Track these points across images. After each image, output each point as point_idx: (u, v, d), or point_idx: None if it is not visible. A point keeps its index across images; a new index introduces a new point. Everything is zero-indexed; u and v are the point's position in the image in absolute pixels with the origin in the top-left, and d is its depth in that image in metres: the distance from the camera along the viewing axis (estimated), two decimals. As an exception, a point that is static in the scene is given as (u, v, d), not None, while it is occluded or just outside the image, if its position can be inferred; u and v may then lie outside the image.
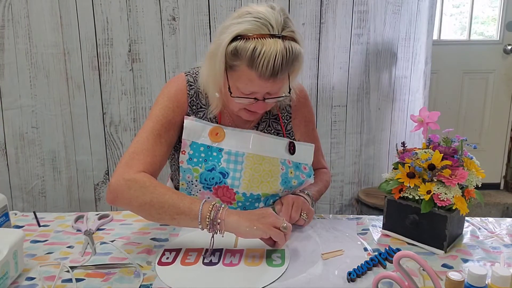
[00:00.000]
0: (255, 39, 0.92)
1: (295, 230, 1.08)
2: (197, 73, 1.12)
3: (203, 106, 1.12)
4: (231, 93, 1.00)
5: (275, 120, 1.17)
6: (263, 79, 0.94)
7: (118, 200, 0.98)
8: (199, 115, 1.11)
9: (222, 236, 0.94)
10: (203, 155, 1.08)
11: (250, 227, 0.91)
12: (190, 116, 1.10)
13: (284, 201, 1.10)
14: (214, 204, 0.93)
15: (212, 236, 0.94)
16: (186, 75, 1.12)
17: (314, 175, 1.19)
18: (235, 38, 0.94)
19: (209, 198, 1.11)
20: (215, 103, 1.09)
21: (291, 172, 1.12)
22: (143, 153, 1.02)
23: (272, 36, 0.92)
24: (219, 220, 0.91)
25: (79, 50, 2.01)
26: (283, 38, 0.93)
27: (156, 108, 1.08)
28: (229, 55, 0.95)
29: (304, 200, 1.12)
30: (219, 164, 1.08)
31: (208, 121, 1.11)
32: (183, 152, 1.08)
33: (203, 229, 0.93)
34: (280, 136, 1.16)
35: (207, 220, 0.91)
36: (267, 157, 1.10)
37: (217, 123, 1.12)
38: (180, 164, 1.08)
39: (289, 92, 1.01)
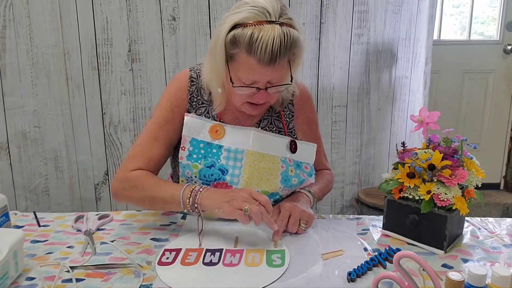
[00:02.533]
0: (253, 25, 0.94)
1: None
2: (201, 69, 1.13)
3: (205, 102, 1.13)
4: (233, 83, 1.00)
5: (277, 118, 1.17)
6: (263, 64, 0.95)
7: (119, 199, 1.10)
8: (200, 111, 1.12)
9: (199, 215, 1.01)
10: (202, 151, 1.09)
11: (218, 209, 0.97)
12: (190, 112, 1.11)
13: (281, 212, 1.06)
14: (193, 189, 1.00)
15: (199, 216, 1.02)
16: (190, 71, 1.14)
17: (315, 175, 1.19)
18: (233, 27, 0.96)
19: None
20: (218, 100, 1.10)
21: (292, 171, 1.12)
22: (139, 155, 1.10)
23: (270, 22, 0.94)
24: (196, 205, 0.99)
25: (78, 50, 2.01)
26: (281, 24, 0.94)
27: (157, 109, 1.13)
28: (228, 44, 0.97)
29: (302, 209, 1.07)
30: (219, 160, 1.08)
31: (210, 118, 1.12)
32: (183, 148, 1.09)
33: (189, 211, 1.02)
34: (282, 134, 1.16)
35: (188, 205, 1.00)
36: (267, 155, 1.10)
37: (218, 119, 1.12)
38: (180, 160, 1.10)
39: (291, 81, 1.01)
